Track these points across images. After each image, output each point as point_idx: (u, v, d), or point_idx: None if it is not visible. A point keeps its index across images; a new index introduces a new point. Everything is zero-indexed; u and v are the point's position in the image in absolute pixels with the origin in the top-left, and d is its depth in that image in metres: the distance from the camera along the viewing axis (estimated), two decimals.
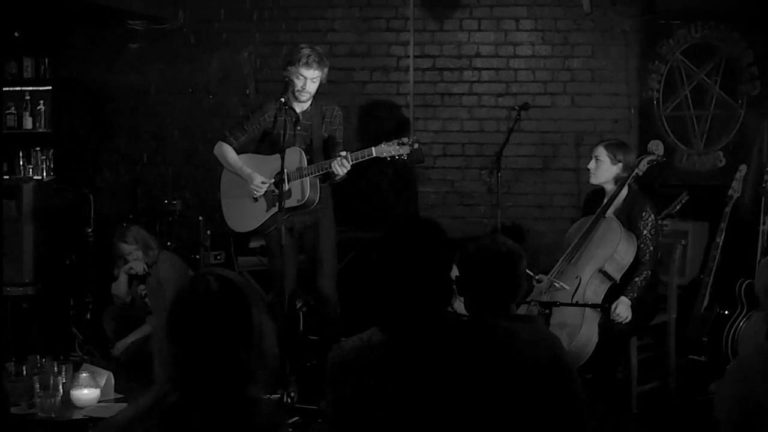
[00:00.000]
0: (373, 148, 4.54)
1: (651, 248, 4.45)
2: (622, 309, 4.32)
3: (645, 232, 4.47)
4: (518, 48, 6.24)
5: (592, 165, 4.63)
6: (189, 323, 1.86)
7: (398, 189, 6.36)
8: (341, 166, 4.53)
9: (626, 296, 4.36)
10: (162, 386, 1.85)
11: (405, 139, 4.55)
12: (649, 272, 4.44)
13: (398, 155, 4.52)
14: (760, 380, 2.22)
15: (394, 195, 6.36)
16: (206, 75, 6.59)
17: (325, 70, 4.73)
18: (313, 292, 4.94)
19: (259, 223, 4.82)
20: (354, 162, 4.56)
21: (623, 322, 4.33)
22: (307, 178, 4.64)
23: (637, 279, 4.40)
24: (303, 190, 4.65)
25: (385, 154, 4.53)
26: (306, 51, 4.69)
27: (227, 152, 4.90)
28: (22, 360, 4.29)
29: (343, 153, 4.55)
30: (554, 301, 3.95)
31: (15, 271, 5.37)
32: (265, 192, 4.77)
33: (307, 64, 4.64)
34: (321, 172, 4.62)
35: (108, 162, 6.70)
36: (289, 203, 4.65)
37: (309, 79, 4.67)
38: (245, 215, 4.86)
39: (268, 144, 4.84)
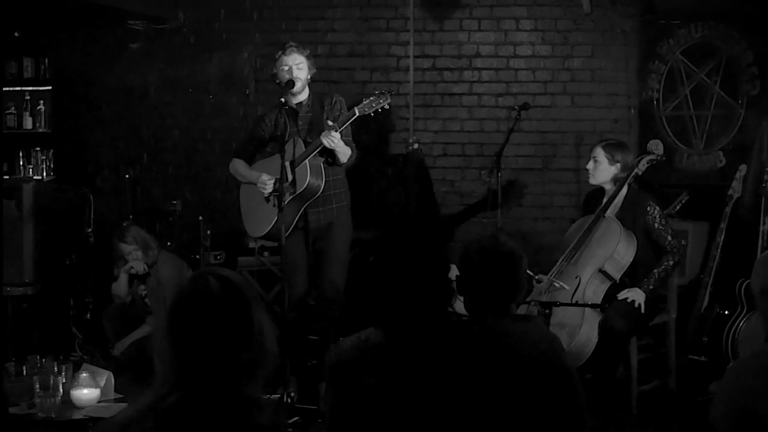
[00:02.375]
0: (355, 108, 4.60)
1: (669, 238, 4.48)
2: (633, 294, 4.35)
3: (656, 225, 4.49)
4: (518, 48, 6.24)
5: (590, 165, 4.64)
6: (189, 323, 1.86)
7: (399, 188, 6.36)
8: (328, 138, 4.55)
9: (641, 288, 4.38)
10: (161, 386, 1.85)
11: (384, 90, 4.61)
12: (671, 262, 4.46)
13: (380, 108, 4.58)
14: (757, 384, 2.21)
15: (395, 194, 6.35)
16: (206, 75, 6.59)
17: (307, 52, 4.80)
18: (316, 291, 4.94)
19: (272, 223, 4.82)
20: (341, 128, 4.59)
21: (637, 304, 4.34)
22: (306, 162, 4.64)
23: (656, 270, 4.43)
24: (302, 176, 4.66)
25: (367, 110, 4.59)
26: (284, 45, 4.84)
27: (239, 165, 4.99)
28: (22, 360, 4.29)
29: (330, 123, 4.58)
30: (554, 301, 3.95)
31: (15, 271, 5.37)
32: (273, 189, 4.79)
33: (286, 53, 4.75)
34: (315, 151, 4.64)
35: (108, 162, 6.69)
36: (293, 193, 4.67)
37: (294, 65, 4.73)
38: (260, 219, 4.88)
39: (274, 147, 4.90)
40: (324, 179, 4.70)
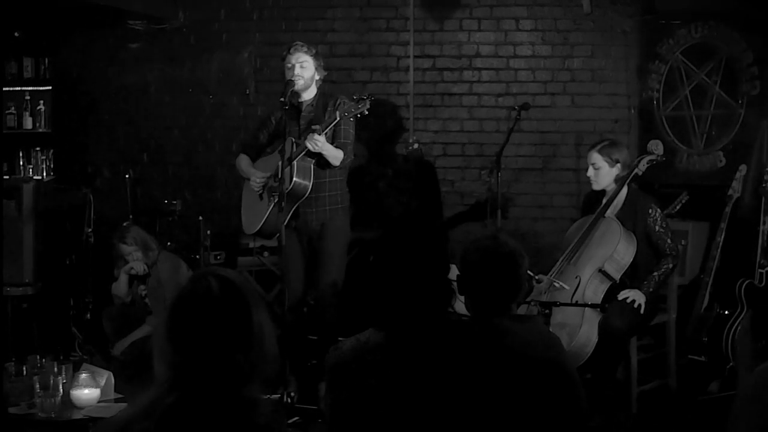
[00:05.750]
0: (337, 112, 4.64)
1: (669, 241, 4.48)
2: (634, 294, 4.35)
3: (657, 228, 4.49)
4: (518, 48, 6.24)
5: (591, 173, 4.61)
6: (189, 323, 1.86)
7: (399, 188, 6.36)
8: (312, 141, 4.57)
9: (641, 290, 4.38)
10: (161, 386, 1.85)
11: (364, 95, 4.64)
12: (671, 265, 4.47)
13: (360, 113, 4.60)
14: None
15: (395, 194, 6.35)
16: (206, 75, 6.59)
17: (313, 51, 4.84)
18: (313, 292, 4.95)
19: (263, 220, 4.84)
20: (324, 132, 4.60)
21: (636, 305, 4.34)
22: (294, 163, 4.65)
23: (656, 273, 4.43)
24: (289, 176, 4.67)
25: (347, 114, 4.61)
26: (291, 44, 4.89)
27: (241, 161, 5.03)
28: (22, 360, 4.29)
29: (314, 126, 4.60)
30: (554, 301, 3.95)
31: (15, 271, 5.36)
32: (265, 187, 4.83)
33: (290, 51, 4.80)
34: (301, 153, 4.66)
35: (108, 162, 6.69)
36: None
37: (297, 64, 4.77)
38: (253, 216, 4.91)
39: (275, 145, 4.91)
40: (312, 180, 4.70)
